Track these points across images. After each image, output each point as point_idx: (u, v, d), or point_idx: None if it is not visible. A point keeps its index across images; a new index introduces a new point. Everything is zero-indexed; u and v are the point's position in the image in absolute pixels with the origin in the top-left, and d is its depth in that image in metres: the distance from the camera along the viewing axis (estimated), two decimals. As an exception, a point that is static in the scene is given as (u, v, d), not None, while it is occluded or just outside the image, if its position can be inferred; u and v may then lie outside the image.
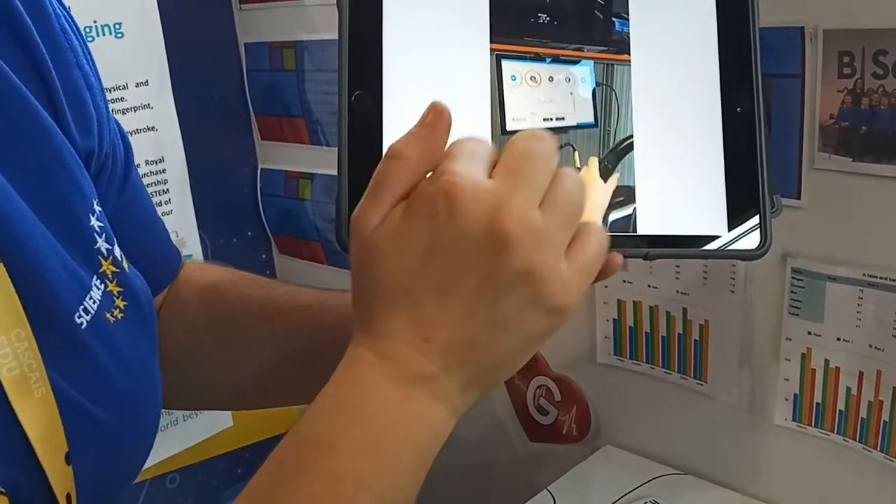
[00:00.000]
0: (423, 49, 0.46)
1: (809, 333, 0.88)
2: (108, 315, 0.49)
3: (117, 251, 0.52)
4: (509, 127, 0.46)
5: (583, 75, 0.47)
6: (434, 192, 0.40)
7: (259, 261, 1.41)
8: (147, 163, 1.16)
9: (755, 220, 0.48)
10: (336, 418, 0.41)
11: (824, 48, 0.80)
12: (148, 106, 1.15)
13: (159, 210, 1.18)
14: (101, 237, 0.50)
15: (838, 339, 0.87)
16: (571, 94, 0.47)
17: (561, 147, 0.46)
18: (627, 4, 0.48)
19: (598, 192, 0.47)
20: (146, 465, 1.35)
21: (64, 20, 0.53)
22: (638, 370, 1.04)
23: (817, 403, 0.90)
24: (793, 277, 0.88)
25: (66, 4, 1.03)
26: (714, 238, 0.47)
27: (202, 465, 1.29)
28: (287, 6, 1.22)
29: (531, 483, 1.16)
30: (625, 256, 0.47)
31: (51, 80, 0.50)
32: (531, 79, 0.46)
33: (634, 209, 0.47)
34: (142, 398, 0.52)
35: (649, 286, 0.99)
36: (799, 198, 0.85)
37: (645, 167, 0.48)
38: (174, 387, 0.66)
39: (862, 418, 0.87)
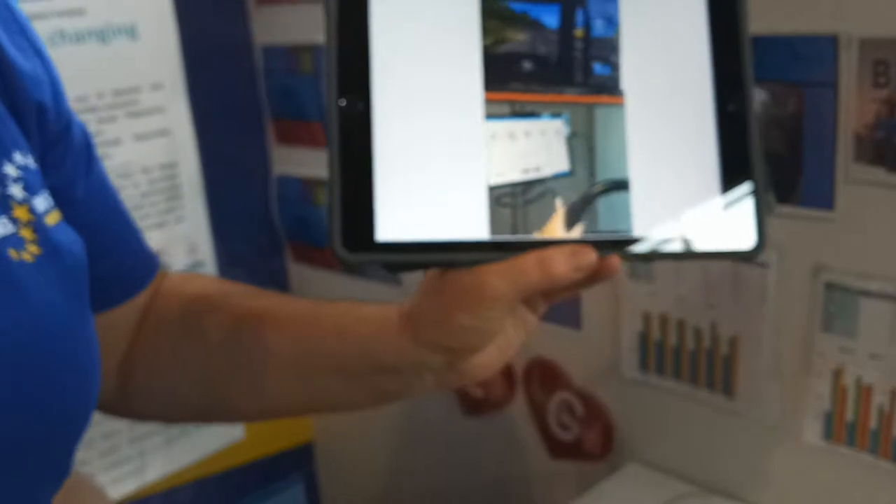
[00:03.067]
0: (412, 59, 0.47)
1: (842, 349, 0.87)
2: (11, 251, 0.48)
3: (39, 203, 0.51)
4: (491, 181, 0.48)
5: (557, 128, 0.49)
6: None
7: (273, 268, 1.40)
8: (161, 167, 1.16)
9: (751, 220, 0.49)
10: None
11: (859, 57, 0.79)
12: (162, 109, 1.15)
13: (172, 215, 1.18)
14: (16, 184, 0.50)
15: (871, 356, 0.85)
16: (547, 146, 0.49)
17: (542, 194, 0.49)
18: (613, 47, 0.50)
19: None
20: (155, 478, 1.35)
21: (12, 3, 0.55)
22: (664, 386, 1.03)
23: (849, 421, 0.89)
24: (825, 292, 0.87)
25: (80, 7, 1.03)
26: (710, 238, 0.49)
27: (212, 479, 1.29)
28: (304, 8, 1.22)
29: (552, 501, 1.16)
30: (622, 259, 0.48)
31: None
32: (509, 135, 0.48)
33: (632, 213, 0.50)
34: (53, 347, 0.49)
35: (677, 297, 0.98)
36: (832, 210, 0.85)
37: (640, 172, 0.49)
38: (153, 395, 0.66)
39: (895, 437, 0.85)
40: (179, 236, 1.19)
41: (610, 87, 0.50)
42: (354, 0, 0.46)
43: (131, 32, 1.10)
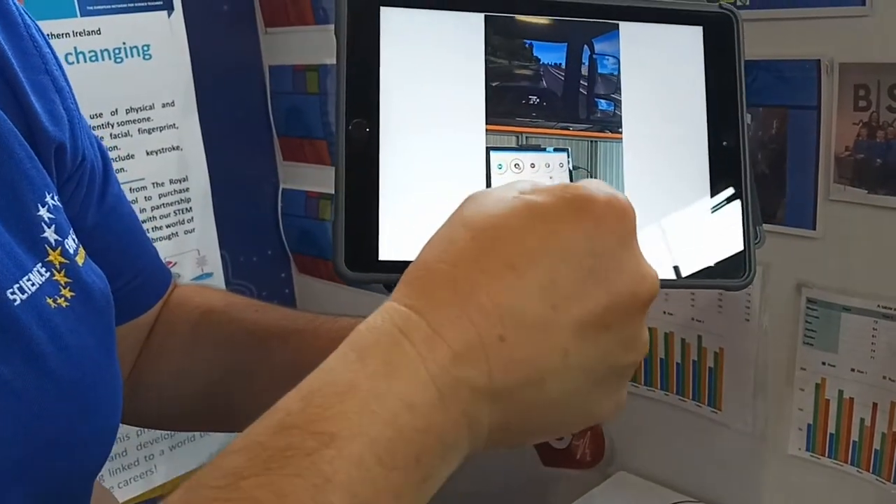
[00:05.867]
0: (420, 87, 0.48)
1: (824, 364, 0.89)
2: (49, 300, 0.49)
3: (70, 244, 0.52)
4: None
5: (560, 161, 0.50)
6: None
7: (279, 279, 1.43)
8: (171, 181, 1.18)
9: (739, 252, 0.49)
10: (346, 401, 0.33)
11: (840, 81, 0.81)
12: (174, 126, 1.17)
13: (182, 228, 1.20)
14: (49, 227, 0.51)
15: (852, 370, 0.87)
16: (551, 177, 0.50)
17: None
18: (615, 85, 0.51)
19: None
20: (161, 481, 1.34)
21: (33, 30, 0.55)
22: (653, 397, 1.04)
23: (831, 434, 0.90)
24: (807, 307, 0.88)
25: (96, 28, 1.05)
26: (700, 268, 0.49)
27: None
28: (311, 30, 1.25)
29: (544, 507, 1.16)
30: None
31: (13, 76, 0.52)
32: (515, 166, 0.49)
33: None
34: (87, 388, 0.50)
35: (665, 312, 1.00)
36: (814, 229, 0.86)
37: (634, 202, 0.49)
38: (160, 404, 0.68)
39: (876, 449, 0.87)
40: (189, 247, 1.22)
41: (612, 124, 0.50)
42: (365, 27, 0.47)
43: (145, 52, 1.12)
